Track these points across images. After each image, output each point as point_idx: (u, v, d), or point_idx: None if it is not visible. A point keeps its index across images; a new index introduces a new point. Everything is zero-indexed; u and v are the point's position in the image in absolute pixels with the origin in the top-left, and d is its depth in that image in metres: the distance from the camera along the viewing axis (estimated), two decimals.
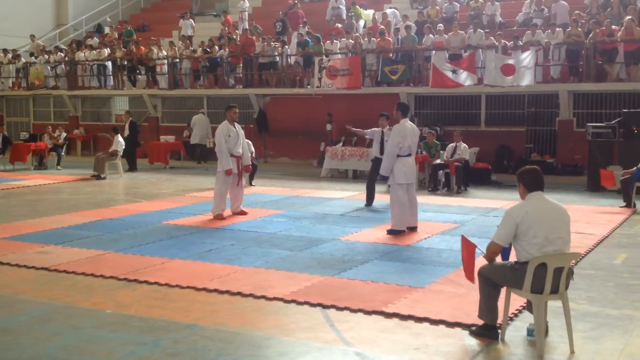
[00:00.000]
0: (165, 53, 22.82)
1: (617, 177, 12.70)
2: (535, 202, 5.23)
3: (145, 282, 7.16)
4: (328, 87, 19.41)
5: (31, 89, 25.74)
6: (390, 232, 9.71)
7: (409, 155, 9.80)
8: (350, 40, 19.90)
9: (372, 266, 7.82)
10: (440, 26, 19.36)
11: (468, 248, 5.63)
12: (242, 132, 11.43)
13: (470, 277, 5.68)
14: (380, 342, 5.37)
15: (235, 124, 11.34)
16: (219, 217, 11.05)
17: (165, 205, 12.49)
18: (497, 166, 16.94)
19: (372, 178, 12.49)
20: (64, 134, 20.58)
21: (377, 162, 11.72)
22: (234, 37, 22.48)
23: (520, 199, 5.42)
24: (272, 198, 13.17)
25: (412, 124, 10.03)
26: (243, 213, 11.36)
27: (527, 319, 5.72)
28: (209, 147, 21.58)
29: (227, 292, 6.74)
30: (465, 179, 14.70)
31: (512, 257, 5.44)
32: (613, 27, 16.65)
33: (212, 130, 21.51)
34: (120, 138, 17.81)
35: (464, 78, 17.65)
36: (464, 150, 14.69)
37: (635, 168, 12.00)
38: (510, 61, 17.10)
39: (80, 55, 24.66)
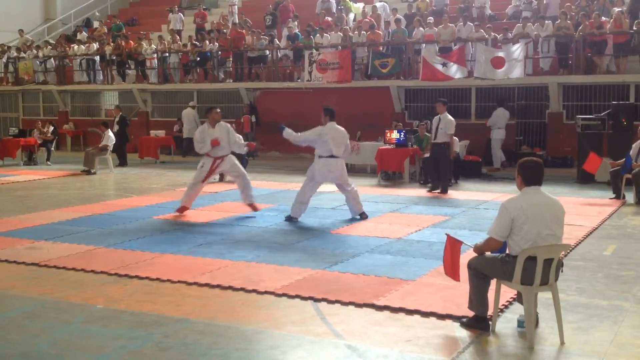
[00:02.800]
0: (155, 47, 22.72)
1: (604, 168, 12.73)
2: (531, 197, 5.20)
3: (136, 277, 7.14)
4: (318, 80, 19.37)
5: (20, 84, 25.58)
6: (286, 218, 10.37)
7: (332, 157, 10.18)
8: (340, 34, 19.88)
9: (363, 259, 7.83)
10: (430, 19, 19.36)
11: (453, 246, 5.64)
12: (227, 130, 10.86)
13: (455, 276, 5.68)
14: (371, 335, 5.38)
15: (220, 124, 10.83)
16: (181, 210, 10.91)
17: (156, 200, 12.46)
18: (487, 159, 16.97)
19: (443, 166, 13.19)
20: (51, 128, 20.48)
21: (436, 147, 13.15)
22: (225, 30, 22.38)
23: (517, 189, 5.40)
24: (263, 192, 13.15)
25: (340, 127, 10.35)
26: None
27: (517, 310, 5.74)
28: None
29: (218, 286, 6.74)
30: (456, 171, 14.72)
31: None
32: (603, 19, 16.70)
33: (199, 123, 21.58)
34: (110, 133, 17.73)
35: (454, 71, 17.66)
36: (454, 144, 14.69)
37: (623, 159, 12.05)
38: (500, 54, 17.11)
39: (72, 49, 24.53)
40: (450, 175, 13.56)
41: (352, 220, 10.36)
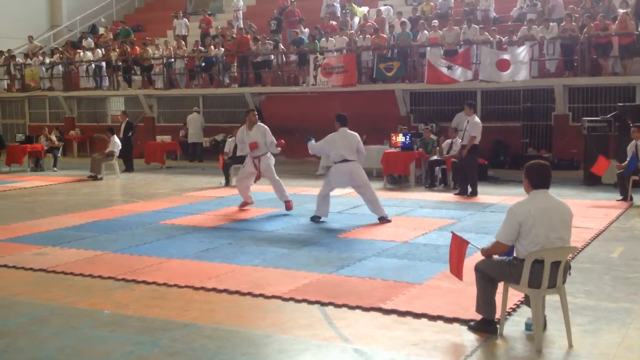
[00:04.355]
0: (161, 52, 22.76)
1: (611, 170, 12.72)
2: (538, 201, 5.17)
3: (143, 282, 7.16)
4: (323, 84, 19.39)
5: (26, 90, 25.68)
6: (311, 218, 10.71)
7: (344, 161, 10.38)
8: (345, 37, 19.89)
9: (370, 263, 7.83)
10: (435, 22, 19.36)
11: (459, 245, 5.63)
12: (263, 131, 11.53)
13: (458, 274, 5.69)
14: (378, 339, 5.38)
15: (257, 125, 11.56)
16: (243, 205, 11.92)
17: (162, 205, 12.48)
18: (493, 162, 16.95)
19: (469, 169, 13.23)
20: (54, 137, 20.56)
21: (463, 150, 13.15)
22: (234, 35, 22.38)
23: (524, 192, 5.38)
24: (269, 196, 13.14)
25: (351, 132, 10.57)
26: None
27: (525, 313, 5.73)
28: (205, 145, 21.61)
29: (225, 291, 6.74)
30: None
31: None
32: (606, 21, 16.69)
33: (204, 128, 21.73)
34: (116, 139, 17.78)
35: (459, 74, 17.65)
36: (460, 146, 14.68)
37: (627, 161, 12.03)
38: (506, 56, 17.09)
39: (78, 55, 24.63)
40: (475, 178, 13.38)
41: (358, 224, 10.36)
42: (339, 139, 10.41)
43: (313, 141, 10.84)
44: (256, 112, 11.87)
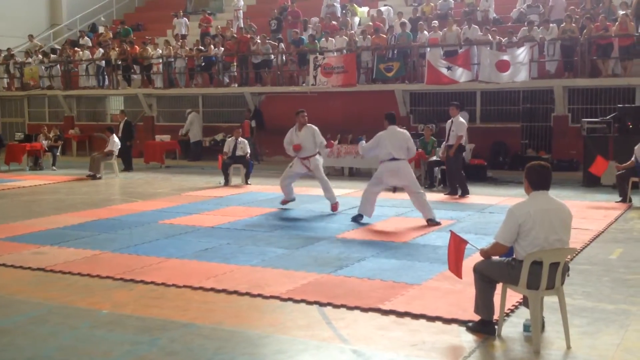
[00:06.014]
0: (161, 52, 22.75)
1: (610, 171, 12.72)
2: (538, 202, 5.17)
3: (142, 281, 7.15)
4: (323, 85, 19.39)
5: (26, 89, 25.66)
6: (353, 217, 10.68)
7: (392, 159, 10.27)
8: (345, 38, 19.89)
9: (369, 263, 7.83)
10: (435, 23, 19.35)
11: (457, 244, 5.64)
12: (312, 132, 11.60)
13: (457, 272, 5.70)
14: (377, 339, 5.38)
15: (307, 126, 11.60)
16: (283, 202, 12.07)
17: (161, 205, 12.48)
18: (492, 162, 16.95)
19: (454, 169, 13.32)
20: (52, 135, 20.55)
21: (449, 150, 13.21)
22: (234, 35, 22.36)
23: (525, 193, 5.38)
24: (268, 196, 13.16)
25: (401, 130, 10.55)
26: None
27: (523, 314, 5.73)
28: (205, 145, 21.61)
29: (223, 291, 6.74)
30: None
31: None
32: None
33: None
34: (115, 138, 17.78)
35: (459, 74, 17.65)
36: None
37: (630, 161, 12.01)
38: (505, 57, 17.09)
39: (78, 54, 24.63)
40: (462, 178, 13.38)
41: (357, 224, 10.36)
42: (387, 137, 10.33)
43: (363, 142, 10.91)
44: (305, 114, 11.83)
